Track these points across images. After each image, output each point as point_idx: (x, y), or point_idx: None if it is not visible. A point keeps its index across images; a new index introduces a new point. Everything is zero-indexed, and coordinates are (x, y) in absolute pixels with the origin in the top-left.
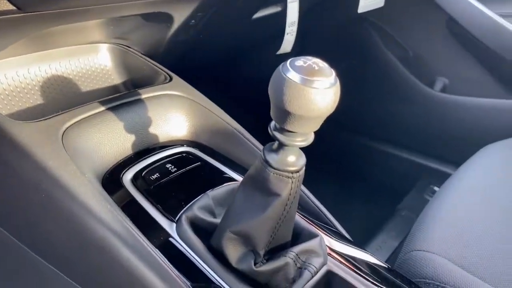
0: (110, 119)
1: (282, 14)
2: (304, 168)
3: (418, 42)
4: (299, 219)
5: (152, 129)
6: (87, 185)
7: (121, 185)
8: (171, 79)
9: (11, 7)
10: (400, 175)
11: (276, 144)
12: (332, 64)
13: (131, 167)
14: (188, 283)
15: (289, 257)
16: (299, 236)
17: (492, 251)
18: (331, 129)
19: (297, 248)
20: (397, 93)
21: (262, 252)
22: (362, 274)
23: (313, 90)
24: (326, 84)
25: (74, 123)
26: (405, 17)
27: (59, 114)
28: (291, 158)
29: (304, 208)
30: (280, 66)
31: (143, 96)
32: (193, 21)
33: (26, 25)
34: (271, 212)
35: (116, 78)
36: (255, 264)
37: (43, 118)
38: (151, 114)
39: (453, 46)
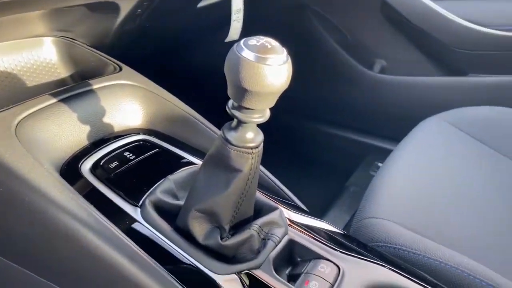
0: (63, 110)
1: (228, 2)
2: (262, 144)
3: (356, 27)
4: (260, 195)
5: (107, 119)
6: (46, 175)
7: (80, 175)
8: (120, 69)
9: None
10: (346, 154)
11: (234, 122)
12: None
13: (88, 157)
14: (158, 264)
15: (253, 230)
16: (260, 211)
17: (437, 213)
18: (279, 114)
19: (260, 221)
20: (339, 77)
21: (227, 227)
22: (321, 240)
23: (267, 67)
24: (279, 61)
25: (27, 115)
26: (342, 3)
27: (9, 108)
28: (250, 135)
29: (264, 186)
30: (235, 45)
31: (95, 87)
32: (139, 10)
33: None
34: (233, 188)
35: (63, 72)
36: (221, 239)
37: None
38: (105, 104)
39: (389, 30)
